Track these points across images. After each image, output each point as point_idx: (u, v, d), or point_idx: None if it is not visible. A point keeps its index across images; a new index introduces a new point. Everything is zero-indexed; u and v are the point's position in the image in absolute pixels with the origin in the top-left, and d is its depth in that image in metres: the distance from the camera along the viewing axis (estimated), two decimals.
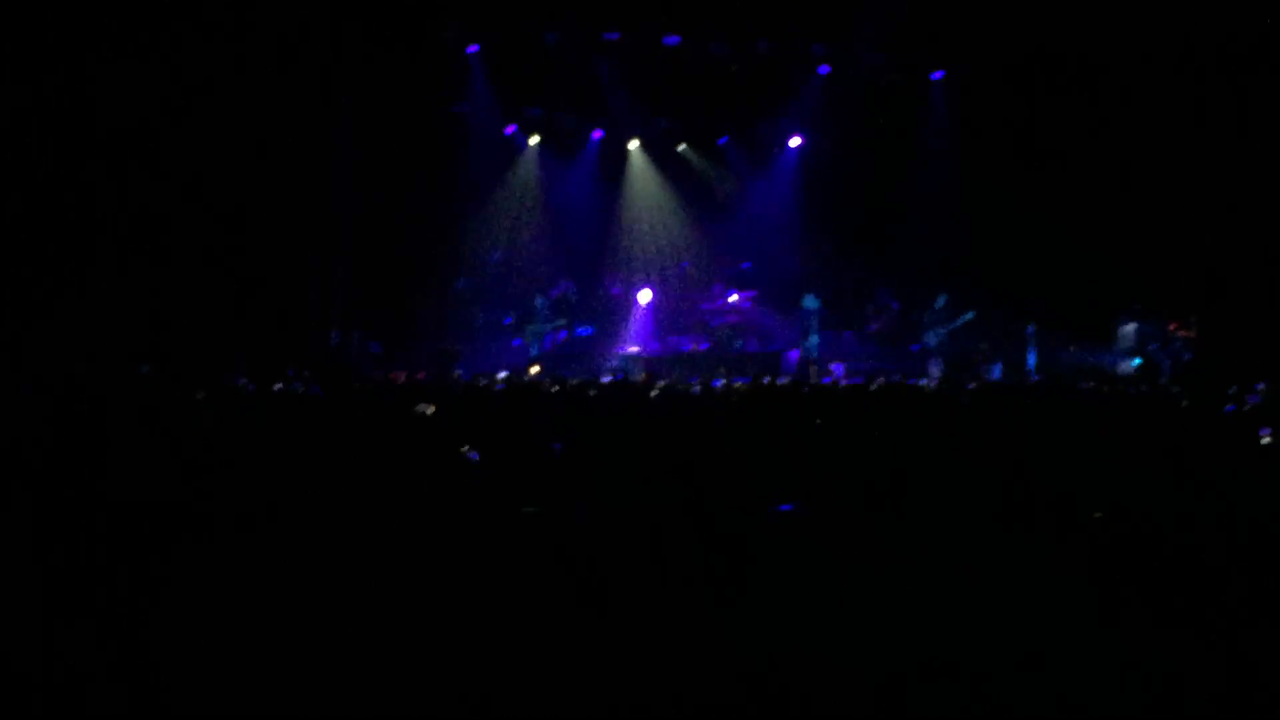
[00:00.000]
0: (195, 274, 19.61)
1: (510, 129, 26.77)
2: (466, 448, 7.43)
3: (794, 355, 24.33)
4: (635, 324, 26.70)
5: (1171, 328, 22.62)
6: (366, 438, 8.28)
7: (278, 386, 14.35)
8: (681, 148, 27.93)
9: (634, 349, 25.06)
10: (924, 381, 20.00)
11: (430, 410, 7.51)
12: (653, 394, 13.37)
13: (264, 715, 3.75)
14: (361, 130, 23.69)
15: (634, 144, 27.69)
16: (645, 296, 26.83)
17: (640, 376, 19.21)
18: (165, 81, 18.79)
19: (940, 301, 24.46)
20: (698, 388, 15.15)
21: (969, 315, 23.96)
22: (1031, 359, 23.24)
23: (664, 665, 4.09)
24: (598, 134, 27.36)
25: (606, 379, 17.41)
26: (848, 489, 6.89)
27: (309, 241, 22.18)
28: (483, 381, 17.81)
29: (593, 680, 3.94)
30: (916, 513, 6.25)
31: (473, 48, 24.84)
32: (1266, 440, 8.78)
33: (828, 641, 4.34)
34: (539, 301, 24.99)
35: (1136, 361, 22.60)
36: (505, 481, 6.83)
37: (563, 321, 25.33)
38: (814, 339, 24.36)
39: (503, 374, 19.69)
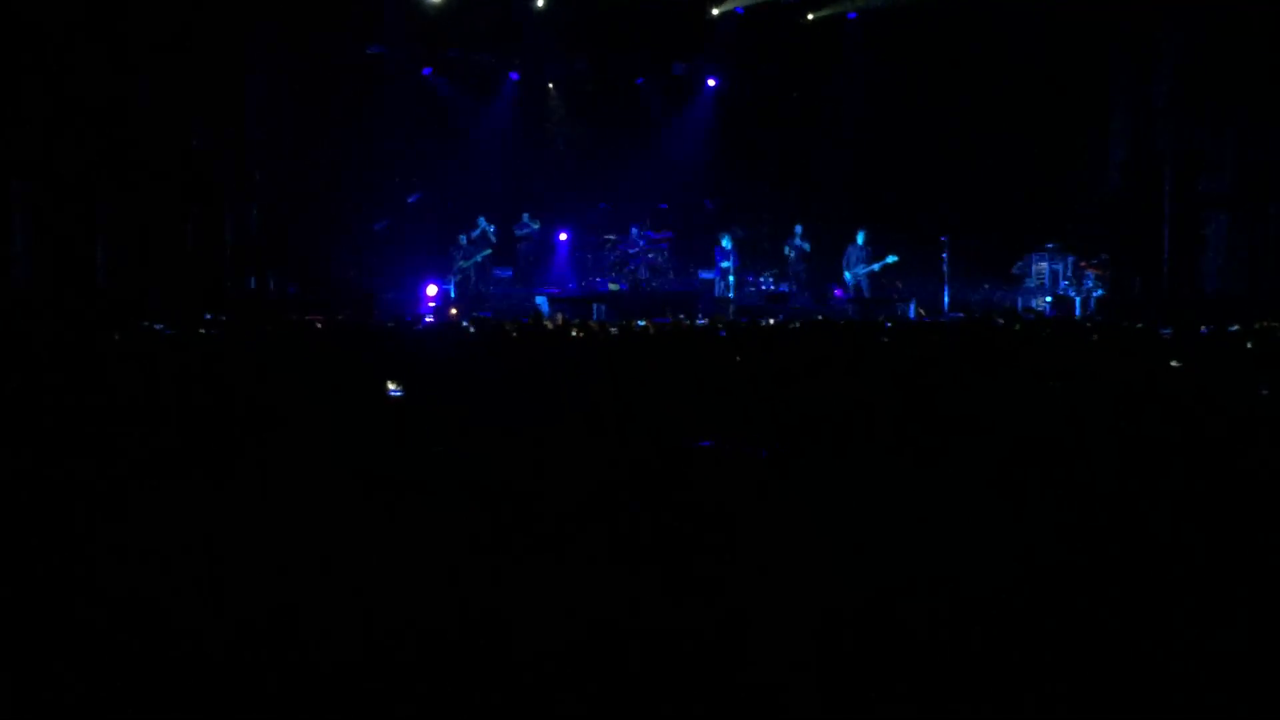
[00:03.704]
0: (110, 214, 19.41)
1: (426, 70, 26.57)
2: (390, 385, 7.46)
3: (709, 295, 24.47)
4: (554, 265, 26.71)
5: (1081, 265, 22.95)
6: (292, 380, 8.28)
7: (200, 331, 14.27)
8: (598, 88, 27.85)
9: (553, 290, 25.05)
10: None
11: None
12: (573, 334, 13.41)
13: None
14: (278, 71, 23.48)
15: (551, 85, 27.58)
16: (564, 238, 26.84)
17: (557, 319, 19.22)
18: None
19: (860, 238, 24.60)
20: (615, 329, 15.19)
21: (891, 258, 24.13)
22: (945, 297, 23.48)
23: (602, 600, 4.15)
24: (514, 75, 27.21)
25: (525, 320, 17.40)
26: (767, 425, 6.98)
27: (224, 184, 21.98)
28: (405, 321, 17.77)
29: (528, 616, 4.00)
30: (833, 447, 6.35)
31: None
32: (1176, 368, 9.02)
33: (755, 574, 4.41)
34: (460, 239, 24.90)
35: (1049, 299, 22.92)
36: (427, 420, 6.88)
37: (488, 250, 25.25)
38: (731, 279, 24.44)
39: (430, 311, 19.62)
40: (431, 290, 25.17)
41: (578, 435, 6.64)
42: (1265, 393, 7.86)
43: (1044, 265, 23.36)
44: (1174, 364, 9.41)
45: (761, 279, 26.17)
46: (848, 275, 24.68)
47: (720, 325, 16.10)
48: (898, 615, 3.93)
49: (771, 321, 18.41)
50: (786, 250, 25.53)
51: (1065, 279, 23.01)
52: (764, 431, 6.76)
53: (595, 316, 21.62)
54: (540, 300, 23.41)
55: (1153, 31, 22.01)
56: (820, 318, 19.40)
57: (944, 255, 23.48)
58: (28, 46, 18.00)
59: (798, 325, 16.24)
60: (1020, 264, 23.61)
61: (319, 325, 16.79)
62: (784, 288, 25.85)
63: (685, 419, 7.00)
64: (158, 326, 14.72)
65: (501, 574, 4.37)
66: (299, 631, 3.86)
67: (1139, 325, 15.23)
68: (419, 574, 4.33)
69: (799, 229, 25.43)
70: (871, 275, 24.38)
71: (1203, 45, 21.09)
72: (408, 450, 6.10)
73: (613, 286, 25.31)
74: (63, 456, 5.84)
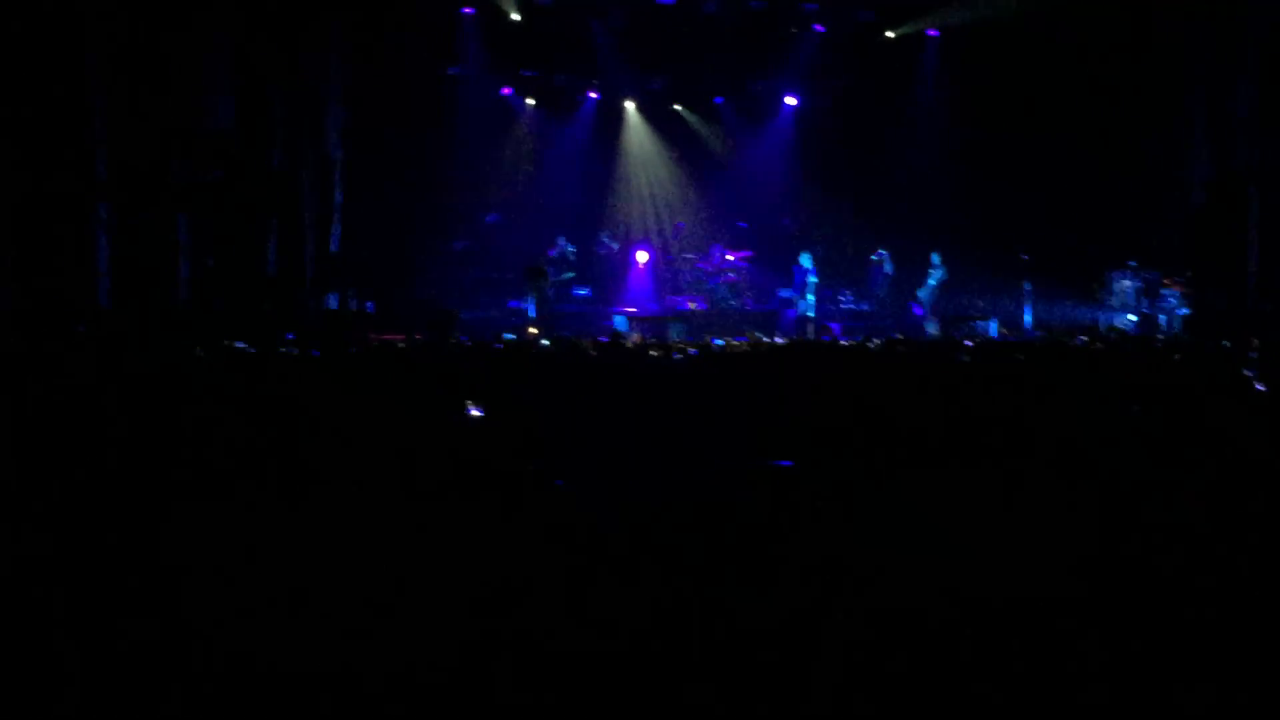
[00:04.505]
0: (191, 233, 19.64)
1: (506, 90, 26.70)
2: (469, 404, 7.48)
3: (791, 314, 24.37)
4: (633, 284, 26.73)
5: (1166, 283, 22.66)
6: (370, 399, 8.32)
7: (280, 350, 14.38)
8: (677, 108, 27.85)
9: (631, 309, 25.08)
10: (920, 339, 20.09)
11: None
12: (652, 354, 13.40)
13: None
14: (356, 93, 23.68)
15: (629, 104, 27.63)
16: (643, 257, 26.86)
17: (635, 338, 19.23)
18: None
19: (935, 259, 24.47)
20: (695, 349, 15.17)
21: (941, 274, 24.10)
22: (1028, 316, 23.27)
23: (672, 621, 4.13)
24: (593, 95, 27.28)
25: (604, 339, 17.42)
26: (844, 446, 6.93)
27: (305, 204, 22.20)
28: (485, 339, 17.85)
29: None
30: (912, 469, 6.30)
31: (467, 10, 24.78)
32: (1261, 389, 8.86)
33: (832, 595, 4.38)
34: (541, 260, 24.93)
35: (1133, 317, 22.65)
36: (506, 440, 6.88)
37: (572, 274, 25.31)
38: (810, 298, 24.33)
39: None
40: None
41: (654, 454, 6.63)
42: None
43: (1126, 283, 23.10)
44: (1259, 386, 9.25)
45: (840, 296, 26.09)
46: (921, 294, 24.58)
47: (799, 343, 16.05)
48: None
49: (849, 341, 18.31)
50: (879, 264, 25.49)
51: (1148, 297, 22.74)
52: (838, 450, 6.72)
53: (673, 336, 21.60)
54: (619, 320, 23.42)
55: (1234, 43, 21.71)
56: (898, 335, 19.27)
57: (1026, 273, 23.28)
58: (107, 67, 18.24)
59: (878, 343, 16.14)
60: (1113, 280, 23.35)
61: (400, 344, 16.90)
62: (864, 306, 25.76)
63: (763, 438, 6.97)
64: (239, 344, 14.85)
65: (575, 592, 4.36)
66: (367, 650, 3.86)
67: (1225, 343, 15.01)
68: (491, 591, 4.33)
69: (884, 252, 25.38)
70: (933, 293, 24.28)
71: None
72: (485, 468, 6.11)
73: (691, 306, 25.30)
74: (144, 472, 5.89)
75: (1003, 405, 8.31)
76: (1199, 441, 6.84)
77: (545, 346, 15.78)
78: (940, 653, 3.72)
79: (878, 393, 9.08)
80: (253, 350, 14.16)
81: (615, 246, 26.68)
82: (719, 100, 27.83)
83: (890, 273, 25.42)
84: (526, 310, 24.17)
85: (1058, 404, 8.47)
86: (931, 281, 24.40)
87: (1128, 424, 7.54)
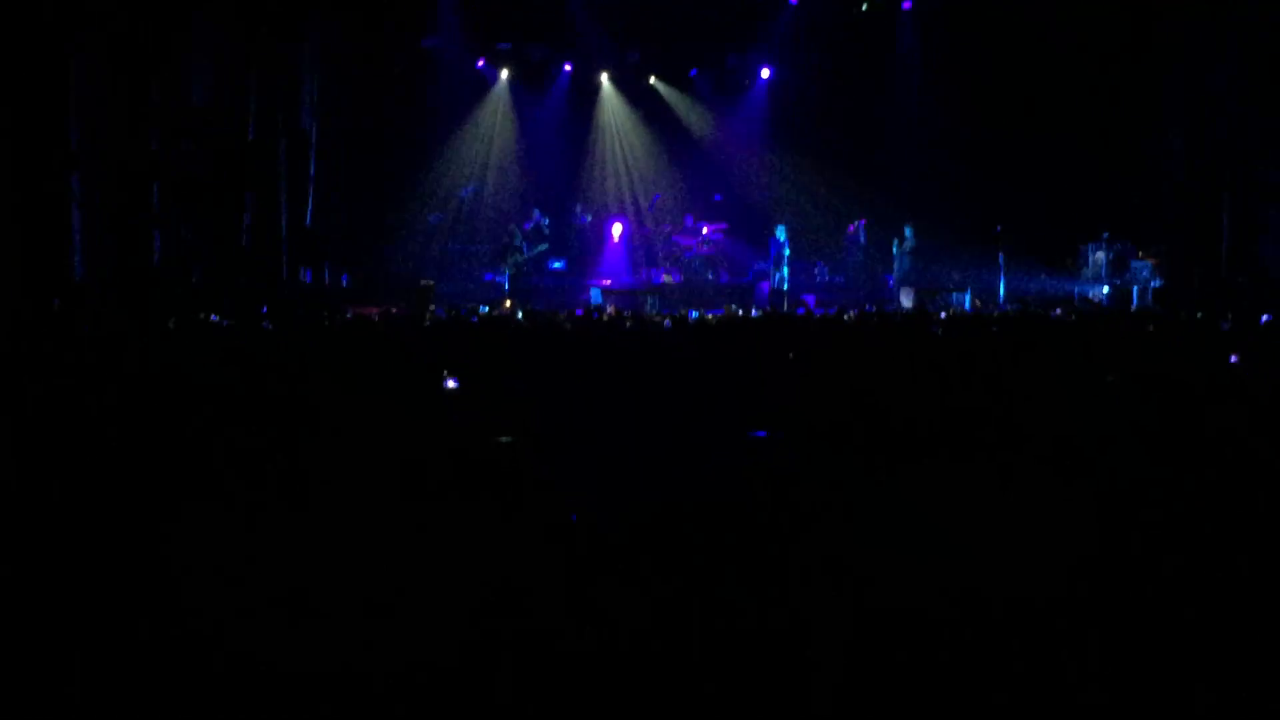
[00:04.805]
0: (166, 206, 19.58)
1: (480, 63, 26.62)
2: (446, 375, 7.50)
3: (765, 287, 24.40)
4: (608, 257, 26.72)
5: (1140, 255, 22.75)
6: (347, 371, 8.32)
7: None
8: (652, 81, 27.80)
9: (606, 282, 25.08)
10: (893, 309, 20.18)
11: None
12: (627, 325, 13.42)
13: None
14: (331, 66, 23.61)
15: (604, 77, 27.58)
16: (618, 229, 26.86)
17: (610, 309, 19.25)
18: None
19: (908, 232, 24.53)
20: (669, 322, 15.20)
21: (910, 244, 24.25)
22: (1002, 288, 23.34)
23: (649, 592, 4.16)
24: (568, 68, 27.21)
25: (580, 312, 17.44)
26: (820, 417, 6.96)
27: (280, 177, 22.14)
28: (461, 312, 17.84)
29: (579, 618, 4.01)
30: (889, 439, 6.33)
31: None
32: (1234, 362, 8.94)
33: (802, 570, 4.41)
34: (515, 232, 24.82)
35: (1105, 289, 22.75)
36: (483, 411, 6.90)
37: (545, 247, 25.22)
38: (785, 271, 24.34)
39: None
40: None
41: (631, 425, 6.65)
42: None
43: (1100, 255, 23.19)
44: (1232, 357, 9.33)
45: (815, 269, 26.13)
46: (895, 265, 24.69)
47: (774, 315, 16.08)
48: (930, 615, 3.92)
49: (825, 312, 18.36)
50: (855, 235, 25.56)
51: (1121, 269, 22.81)
52: (813, 424, 6.75)
53: (648, 308, 21.63)
54: (594, 292, 23.42)
55: (1210, 17, 21.76)
56: (872, 309, 19.33)
57: (1000, 245, 23.35)
58: (82, 40, 18.14)
59: (851, 316, 16.19)
60: (1087, 252, 23.44)
61: (375, 317, 16.90)
62: (839, 279, 25.81)
63: (739, 409, 7.00)
64: (214, 318, 14.84)
65: (554, 567, 4.38)
66: (339, 628, 3.88)
67: (1198, 315, 15.12)
68: (470, 568, 4.34)
69: (860, 223, 25.45)
70: (902, 264, 24.38)
71: (1262, 30, 20.86)
72: (463, 443, 6.12)
73: (666, 278, 25.31)
74: (119, 446, 5.89)
75: (976, 378, 8.35)
76: (1174, 413, 6.89)
77: (520, 321, 15.79)
78: (939, 652, 3.75)
79: (853, 367, 9.12)
80: (227, 324, 14.15)
81: (588, 219, 26.66)
82: (694, 73, 27.78)
83: (864, 243, 25.44)
84: (502, 283, 24.17)
85: (1031, 376, 8.52)
86: (896, 251, 24.47)
87: (1101, 396, 7.59)
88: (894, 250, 24.60)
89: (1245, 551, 4.51)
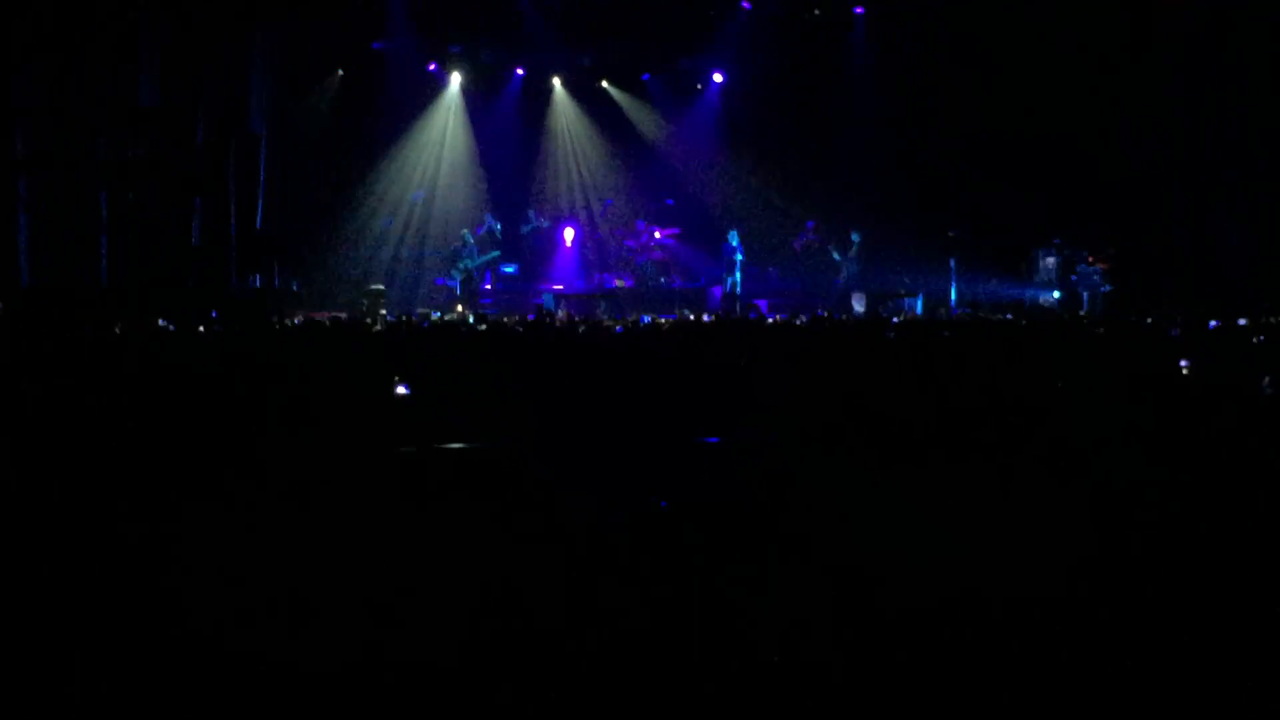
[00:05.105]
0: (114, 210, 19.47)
1: (431, 66, 26.49)
2: (397, 381, 7.45)
3: (718, 291, 24.43)
4: (560, 262, 26.67)
5: (1090, 260, 22.88)
6: (299, 377, 8.26)
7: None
8: (604, 84, 27.76)
9: (558, 287, 25.05)
10: (845, 316, 20.24)
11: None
12: (580, 330, 13.39)
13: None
14: (283, 66, 23.49)
15: (556, 81, 27.52)
16: (570, 234, 26.82)
17: (562, 315, 19.22)
18: None
19: (855, 237, 24.64)
20: (620, 328, 15.18)
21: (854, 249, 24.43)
22: (953, 292, 23.44)
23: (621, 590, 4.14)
24: (520, 71, 27.13)
25: (531, 316, 17.39)
26: (774, 421, 6.96)
27: (229, 181, 22.01)
28: (412, 317, 17.78)
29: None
30: (841, 441, 6.34)
31: None
32: (1185, 370, 8.98)
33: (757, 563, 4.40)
34: (467, 237, 24.69)
35: (1056, 294, 22.88)
36: (436, 416, 6.86)
37: (497, 254, 25.10)
38: (738, 275, 24.35)
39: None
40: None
41: (583, 432, 6.63)
42: (1268, 389, 7.83)
43: (1051, 260, 23.32)
44: (1182, 362, 9.38)
45: (767, 273, 26.16)
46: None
47: (727, 321, 16.08)
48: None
49: (778, 317, 18.39)
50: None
51: (1073, 274, 22.94)
52: (769, 428, 6.74)
53: (600, 313, 21.60)
54: (546, 297, 23.37)
55: (1162, 26, 21.93)
56: (822, 313, 19.37)
57: (951, 250, 23.47)
58: (31, 42, 17.99)
59: (803, 320, 16.22)
60: (1038, 258, 23.59)
61: (325, 322, 16.79)
62: (792, 284, 25.82)
63: (693, 414, 6.98)
64: (161, 323, 14.71)
65: (518, 571, 4.36)
66: (310, 627, 3.84)
67: (1147, 320, 15.21)
68: (432, 572, 4.31)
69: (810, 225, 25.51)
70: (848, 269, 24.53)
71: (1213, 30, 21.10)
72: (415, 448, 6.09)
73: (619, 283, 25.28)
74: (68, 453, 5.83)
75: (926, 381, 8.38)
76: (1122, 418, 6.92)
77: (472, 325, 15.73)
78: (936, 651, 3.75)
79: (808, 370, 9.13)
80: (174, 329, 14.03)
81: (544, 224, 26.59)
82: (646, 77, 27.76)
83: (815, 247, 25.44)
84: (454, 288, 24.07)
85: (981, 380, 8.55)
86: (837, 258, 24.57)
87: (1052, 400, 7.62)
88: (835, 256, 24.68)
89: (1183, 550, 4.54)
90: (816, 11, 26.04)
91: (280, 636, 3.82)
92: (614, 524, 4.84)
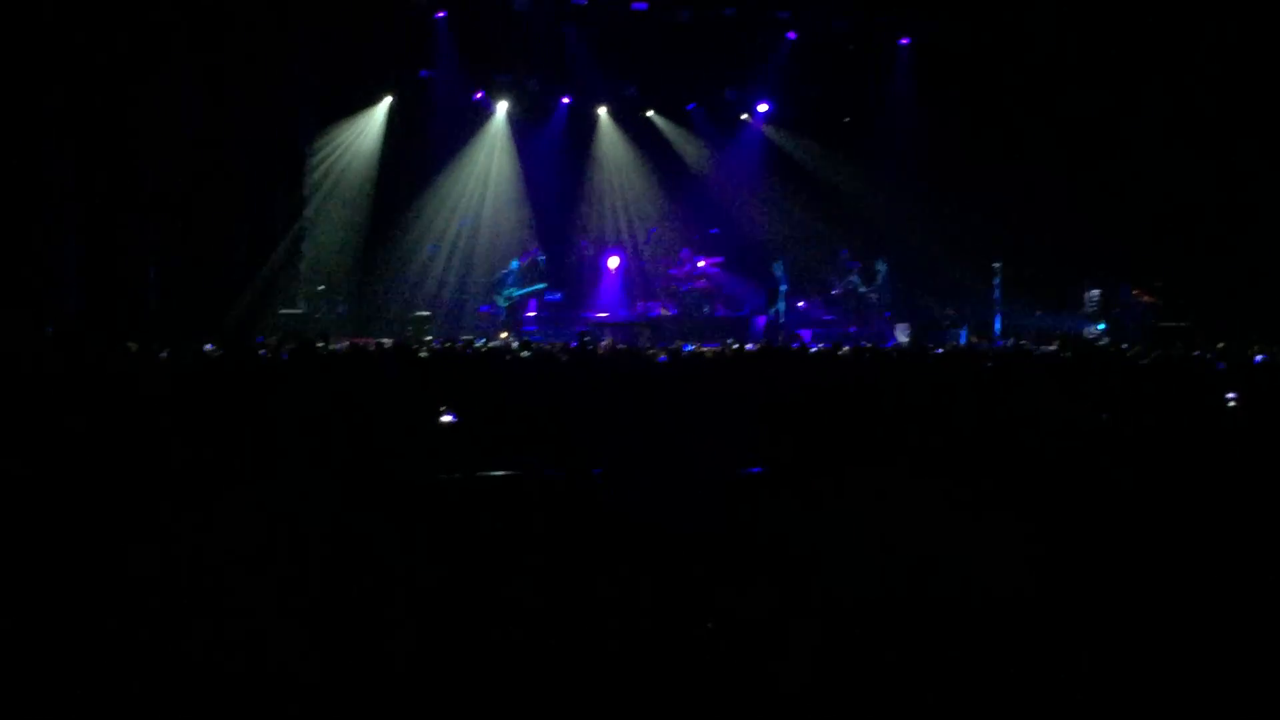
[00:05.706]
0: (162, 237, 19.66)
1: (478, 95, 26.63)
2: (444, 410, 7.48)
3: (761, 321, 24.42)
4: (604, 289, 26.73)
5: (1135, 293, 22.78)
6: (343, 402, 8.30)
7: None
8: (649, 114, 27.84)
9: (602, 315, 25.10)
10: (890, 344, 20.21)
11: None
12: (624, 358, 13.42)
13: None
14: (326, 96, 23.69)
15: (602, 110, 27.62)
16: (614, 262, 26.88)
17: (605, 343, 19.25)
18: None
19: (882, 266, 24.68)
20: (664, 356, 15.20)
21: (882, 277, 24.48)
22: (998, 323, 23.38)
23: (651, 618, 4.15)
24: (566, 100, 27.23)
25: (575, 344, 17.43)
26: (816, 452, 6.96)
27: (276, 208, 22.21)
28: (457, 345, 17.83)
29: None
30: (883, 472, 6.33)
31: (440, 13, 24.71)
32: (1232, 403, 8.93)
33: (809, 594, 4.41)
34: (514, 265, 24.74)
35: (1101, 326, 22.78)
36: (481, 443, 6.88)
37: (544, 285, 25.13)
38: (781, 305, 24.35)
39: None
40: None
41: (626, 459, 6.64)
42: None
43: (1095, 292, 23.24)
44: (1229, 396, 9.32)
45: (810, 304, 26.14)
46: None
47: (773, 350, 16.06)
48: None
49: (820, 347, 18.36)
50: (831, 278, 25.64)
51: (1116, 308, 22.85)
52: (807, 458, 6.74)
53: (643, 342, 21.61)
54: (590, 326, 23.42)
55: (1200, 57, 21.87)
56: (865, 344, 19.35)
57: (996, 281, 23.43)
58: (81, 72, 18.20)
59: (846, 351, 16.19)
60: (1082, 289, 23.51)
61: (371, 348, 16.87)
62: (834, 315, 25.79)
63: (736, 444, 6.99)
64: (208, 347, 14.82)
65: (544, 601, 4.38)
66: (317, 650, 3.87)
67: (1194, 354, 15.13)
68: (451, 596, 4.34)
69: (844, 252, 25.52)
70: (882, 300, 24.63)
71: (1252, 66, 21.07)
72: (459, 474, 6.11)
73: (663, 311, 25.31)
74: (112, 477, 5.88)
75: (972, 412, 8.36)
76: (1170, 450, 6.89)
77: (516, 351, 15.79)
78: (932, 653, 3.76)
79: (851, 400, 9.11)
80: (221, 353, 14.13)
81: (590, 252, 26.71)
82: (691, 107, 27.82)
83: (856, 276, 25.46)
84: (498, 316, 24.16)
85: (1027, 411, 8.52)
86: (863, 291, 24.68)
87: (1099, 432, 7.60)
88: (861, 290, 24.74)
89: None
90: (861, 42, 26.09)
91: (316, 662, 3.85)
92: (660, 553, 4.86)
